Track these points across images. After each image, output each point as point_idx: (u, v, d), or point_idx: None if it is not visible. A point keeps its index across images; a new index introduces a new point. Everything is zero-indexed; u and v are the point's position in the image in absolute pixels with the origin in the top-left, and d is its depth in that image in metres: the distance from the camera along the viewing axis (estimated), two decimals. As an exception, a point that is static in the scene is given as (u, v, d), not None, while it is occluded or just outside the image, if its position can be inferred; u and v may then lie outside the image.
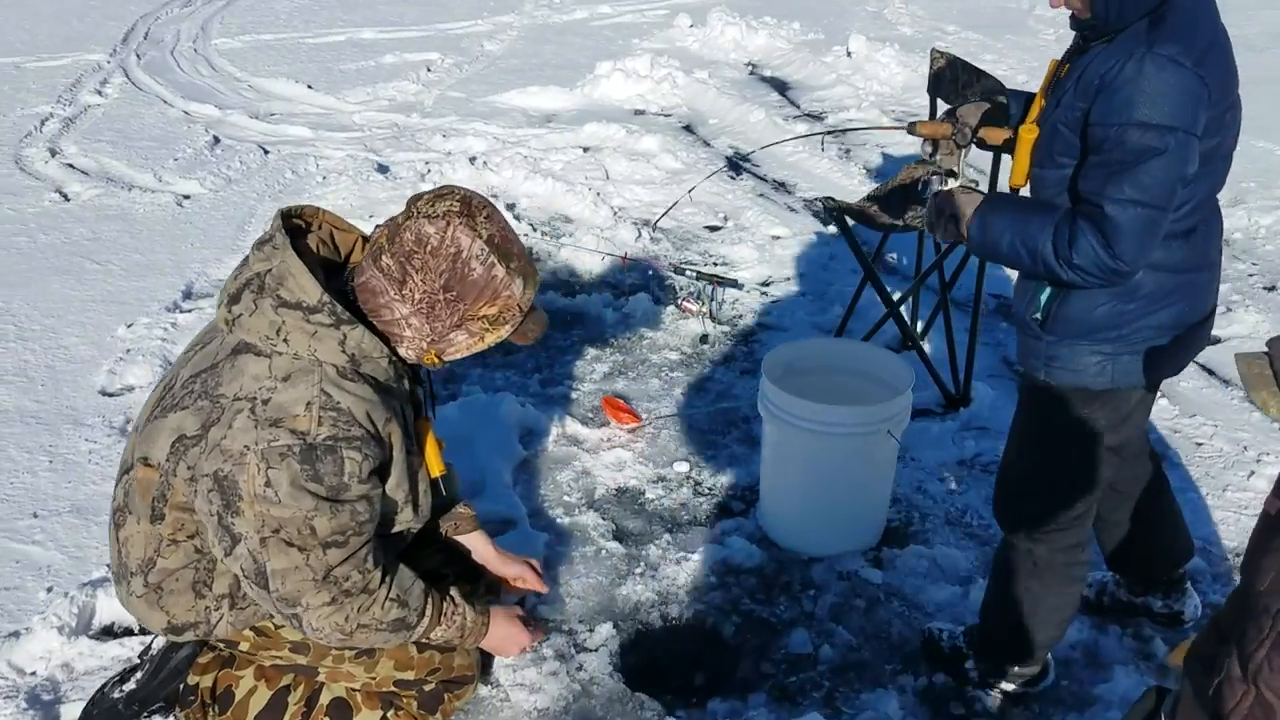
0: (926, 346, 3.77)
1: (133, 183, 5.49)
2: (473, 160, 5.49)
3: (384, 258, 1.86)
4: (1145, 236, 1.81)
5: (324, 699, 2.28)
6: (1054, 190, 1.95)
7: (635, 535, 2.99)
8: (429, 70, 7.40)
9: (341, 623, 1.95)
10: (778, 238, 4.80)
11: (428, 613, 2.09)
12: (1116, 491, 2.38)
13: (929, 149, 2.32)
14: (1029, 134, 1.99)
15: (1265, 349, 1.16)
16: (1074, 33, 1.98)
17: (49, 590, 2.74)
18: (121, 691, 2.31)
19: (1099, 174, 1.82)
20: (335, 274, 1.95)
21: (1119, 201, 1.79)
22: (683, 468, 3.25)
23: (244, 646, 2.19)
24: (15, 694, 2.44)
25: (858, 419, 2.66)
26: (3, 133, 6.15)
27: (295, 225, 1.97)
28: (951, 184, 2.24)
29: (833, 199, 3.45)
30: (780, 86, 7.10)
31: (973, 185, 2.14)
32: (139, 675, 2.33)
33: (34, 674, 2.52)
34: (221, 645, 2.22)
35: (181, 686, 2.30)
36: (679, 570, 2.83)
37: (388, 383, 1.92)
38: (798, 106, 6.71)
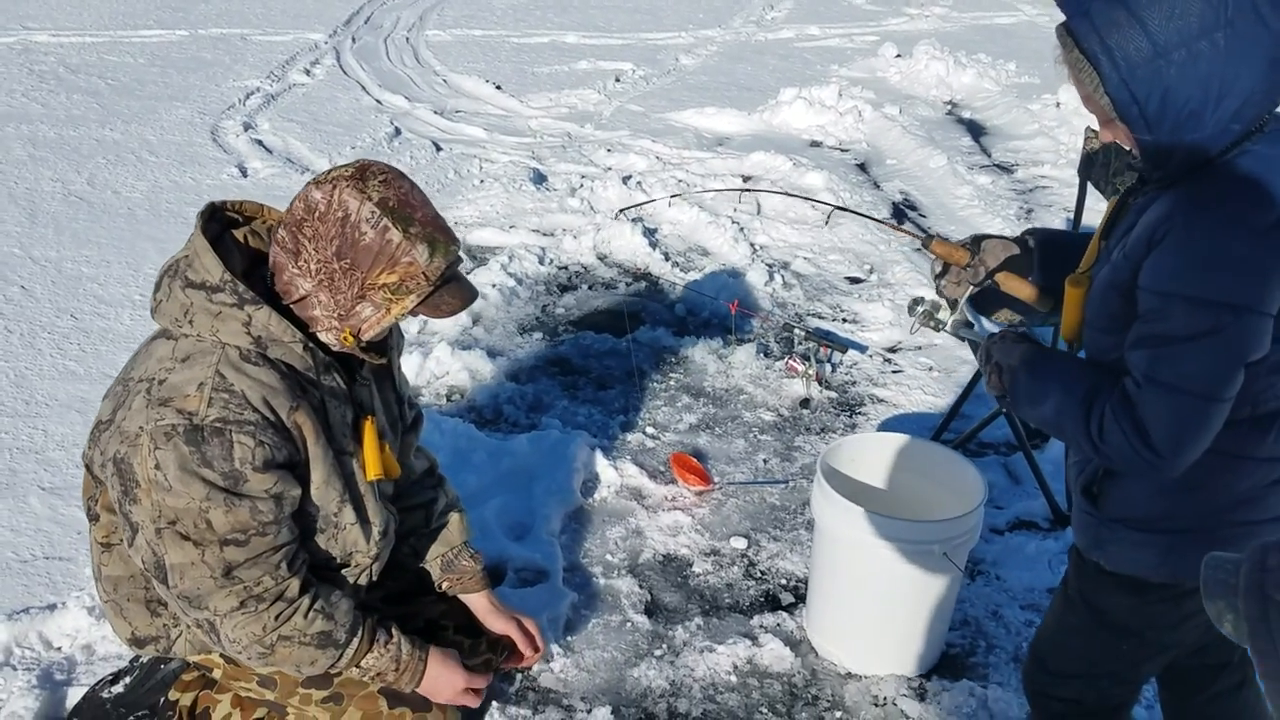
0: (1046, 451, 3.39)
1: (308, 166, 5.72)
2: (626, 180, 5.40)
3: (280, 230, 1.81)
4: (1188, 429, 1.48)
5: (293, 738, 2.24)
6: (1113, 355, 1.63)
7: (668, 611, 2.80)
8: (617, 80, 7.38)
9: (259, 632, 1.86)
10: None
11: (359, 633, 1.97)
12: (1188, 683, 2.01)
13: (938, 269, 2.01)
14: (1076, 287, 1.68)
15: None
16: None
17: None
18: (110, 693, 2.34)
19: (1142, 351, 1.51)
20: (264, 264, 1.90)
21: (1157, 385, 1.48)
22: (740, 544, 3.03)
23: (217, 674, 2.17)
24: (34, 666, 2.53)
25: (909, 535, 2.38)
26: (210, 102, 6.56)
27: (231, 218, 1.94)
28: (945, 315, 1.97)
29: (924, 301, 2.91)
30: (976, 131, 6.66)
31: (1024, 329, 1.82)
32: (128, 680, 2.36)
33: (58, 649, 2.61)
34: (200, 667, 2.20)
35: (162, 700, 2.32)
36: (701, 661, 2.63)
37: (306, 371, 1.85)
38: (988, 155, 6.27)
